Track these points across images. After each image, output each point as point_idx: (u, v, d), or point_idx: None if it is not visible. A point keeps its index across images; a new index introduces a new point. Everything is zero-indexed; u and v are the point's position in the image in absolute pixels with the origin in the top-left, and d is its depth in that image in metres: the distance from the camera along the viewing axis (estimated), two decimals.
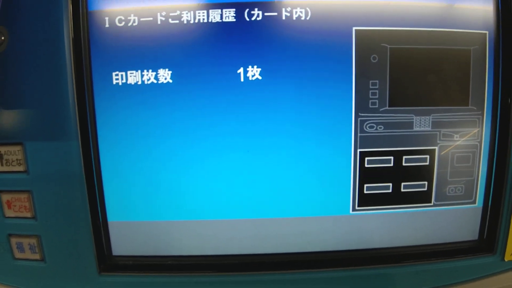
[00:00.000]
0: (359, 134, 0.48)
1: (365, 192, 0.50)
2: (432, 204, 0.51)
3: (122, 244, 0.51)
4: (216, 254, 0.50)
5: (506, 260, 0.52)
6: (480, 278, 0.52)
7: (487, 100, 0.49)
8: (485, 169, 0.51)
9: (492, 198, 0.52)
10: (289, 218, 0.50)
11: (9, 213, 0.49)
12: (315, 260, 0.50)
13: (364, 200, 0.50)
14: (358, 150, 0.48)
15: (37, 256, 0.50)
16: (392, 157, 0.49)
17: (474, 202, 0.52)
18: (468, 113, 0.49)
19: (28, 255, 0.50)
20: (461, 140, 0.50)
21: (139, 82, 0.47)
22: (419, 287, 0.51)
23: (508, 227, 0.51)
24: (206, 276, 0.49)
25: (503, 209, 0.51)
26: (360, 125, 0.48)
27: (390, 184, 0.50)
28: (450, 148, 0.50)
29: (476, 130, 0.50)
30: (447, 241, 0.52)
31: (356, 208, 0.50)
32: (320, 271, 0.50)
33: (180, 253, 0.51)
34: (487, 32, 0.49)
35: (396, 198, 0.50)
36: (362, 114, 0.48)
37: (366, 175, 0.49)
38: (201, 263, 0.50)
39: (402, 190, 0.50)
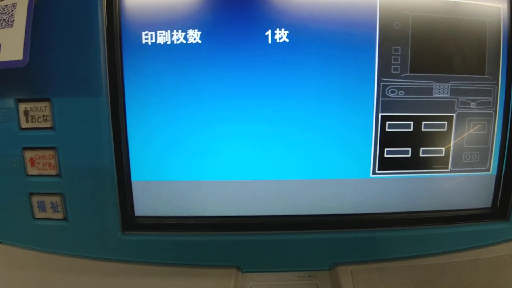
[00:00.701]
0: (381, 99, 0.50)
1: (385, 156, 0.51)
2: (449, 170, 0.52)
3: (144, 204, 0.51)
4: (239, 215, 0.51)
5: None
6: (493, 244, 0.53)
7: (501, 70, 0.51)
8: (499, 137, 0.53)
9: (506, 166, 0.53)
10: (310, 180, 0.51)
11: (32, 171, 0.49)
12: (335, 221, 0.51)
13: (384, 164, 0.51)
14: (380, 114, 0.50)
15: (59, 215, 0.50)
16: (412, 122, 0.51)
17: (488, 170, 0.53)
18: (484, 82, 0.51)
19: (50, 214, 0.50)
20: (477, 108, 0.52)
21: (168, 42, 0.48)
22: (434, 250, 0.52)
23: None
24: (229, 235, 0.50)
25: None
26: (382, 90, 0.49)
27: (410, 149, 0.51)
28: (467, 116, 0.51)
29: (491, 99, 0.52)
30: (462, 207, 0.54)
31: (376, 171, 0.51)
32: (339, 231, 0.50)
33: (202, 213, 0.51)
34: (501, 6, 0.51)
35: (415, 163, 0.52)
36: (385, 79, 0.49)
37: (386, 139, 0.51)
38: (224, 223, 0.51)
39: (421, 155, 0.51)
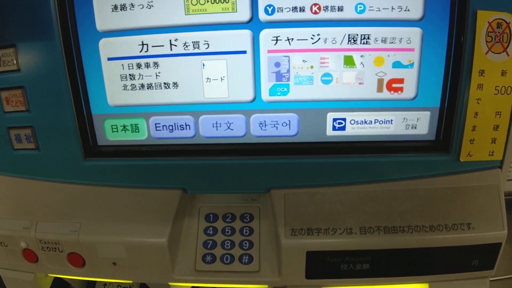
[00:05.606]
0: None
1: None
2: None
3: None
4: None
5: (461, 160, 0.54)
6: (433, 176, 0.54)
7: None
8: (442, 69, 0.52)
9: (449, 98, 0.53)
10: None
11: (7, 108, 0.57)
12: (271, 148, 0.56)
13: None
14: None
15: (32, 146, 0.58)
16: None
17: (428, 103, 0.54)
18: None
19: (25, 145, 0.58)
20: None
21: None
22: (368, 179, 0.54)
23: (462, 127, 0.52)
24: (176, 160, 0.56)
25: (457, 109, 0.52)
26: None
27: None
28: None
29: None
30: (401, 139, 0.55)
31: None
32: (274, 158, 0.55)
33: None
34: None
35: None
36: None
37: None
38: (172, 150, 0.57)
39: None
